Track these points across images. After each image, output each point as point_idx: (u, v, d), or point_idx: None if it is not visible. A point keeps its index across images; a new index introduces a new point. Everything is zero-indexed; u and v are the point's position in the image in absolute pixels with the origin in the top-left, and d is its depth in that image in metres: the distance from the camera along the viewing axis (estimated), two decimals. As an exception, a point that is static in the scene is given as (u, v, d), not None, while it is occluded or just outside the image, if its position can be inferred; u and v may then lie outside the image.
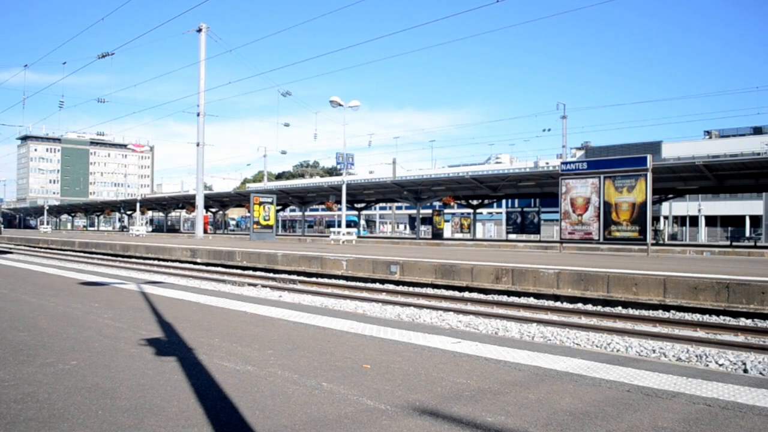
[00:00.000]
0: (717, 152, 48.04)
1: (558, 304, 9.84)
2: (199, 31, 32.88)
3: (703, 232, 52.47)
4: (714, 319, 8.35)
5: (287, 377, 3.68)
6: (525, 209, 40.95)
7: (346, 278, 13.68)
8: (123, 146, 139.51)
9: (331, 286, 12.52)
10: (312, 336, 5.16)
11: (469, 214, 45.73)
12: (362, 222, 59.32)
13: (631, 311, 9.05)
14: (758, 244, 40.22)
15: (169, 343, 4.70)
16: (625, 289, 9.39)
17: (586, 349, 5.66)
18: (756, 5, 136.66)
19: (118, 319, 5.88)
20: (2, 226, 22.99)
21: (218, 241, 28.96)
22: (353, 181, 49.54)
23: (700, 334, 7.29)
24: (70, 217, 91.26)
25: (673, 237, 51.00)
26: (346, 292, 11.39)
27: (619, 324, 8.02)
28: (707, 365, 5.85)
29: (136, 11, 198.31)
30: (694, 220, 52.73)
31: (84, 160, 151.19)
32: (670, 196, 32.52)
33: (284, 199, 45.19)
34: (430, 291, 11.65)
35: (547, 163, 64.95)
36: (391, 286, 12.26)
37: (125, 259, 21.35)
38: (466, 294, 11.08)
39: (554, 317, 8.60)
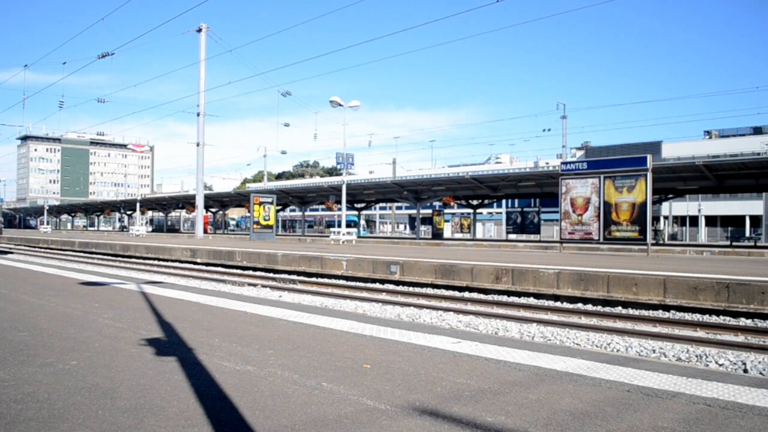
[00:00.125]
0: (717, 152, 48.04)
1: (558, 304, 9.84)
2: (199, 31, 32.88)
3: (703, 232, 52.47)
4: (714, 319, 8.35)
5: (287, 377, 3.68)
6: (525, 209, 40.95)
7: (346, 278, 13.68)
8: (123, 146, 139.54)
9: (331, 286, 12.52)
10: (312, 336, 5.16)
11: (469, 214, 45.73)
12: (362, 222, 59.32)
13: (631, 311, 9.05)
14: (758, 244, 40.21)
15: (169, 343, 4.70)
16: (625, 289, 9.39)
17: (586, 349, 5.66)
18: (756, 5, 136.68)
19: (118, 319, 5.88)
20: (2, 226, 22.93)
21: (218, 241, 28.96)
22: (353, 181, 49.54)
23: (700, 334, 7.29)
24: (70, 217, 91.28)
25: (673, 237, 51.00)
26: (346, 292, 11.39)
27: (619, 324, 8.02)
28: (707, 365, 5.85)
29: (136, 11, 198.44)
30: (694, 220, 52.73)
31: (84, 160, 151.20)
32: (670, 196, 32.52)
33: (284, 199, 45.19)
34: (430, 291, 11.65)
35: (547, 163, 64.96)
36: (391, 286, 12.26)
37: (125, 259, 21.35)
38: (466, 294, 11.08)
39: (554, 317, 8.60)
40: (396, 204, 62.28)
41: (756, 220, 50.05)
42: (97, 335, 4.98)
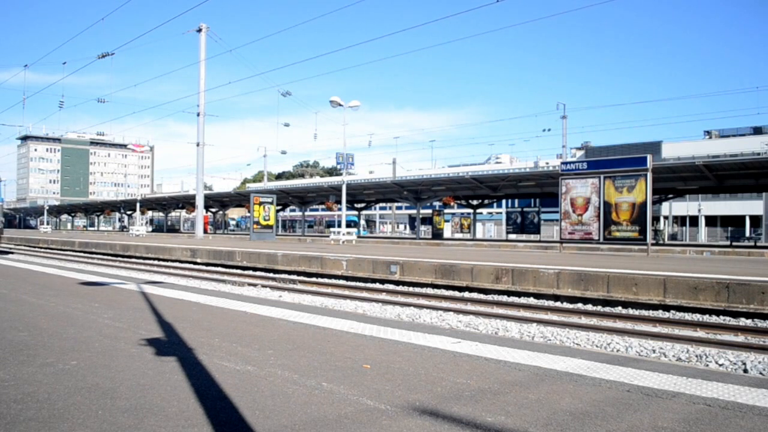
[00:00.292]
0: (717, 152, 48.04)
1: (558, 304, 9.84)
2: (199, 31, 32.88)
3: (703, 232, 52.47)
4: (714, 319, 8.35)
5: (287, 377, 3.68)
6: (525, 209, 40.95)
7: (346, 278, 13.68)
8: (123, 146, 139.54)
9: (331, 286, 12.52)
10: (312, 336, 5.16)
11: (469, 214, 45.73)
12: (362, 222, 59.32)
13: (631, 311, 9.05)
14: (758, 244, 40.22)
15: (169, 343, 4.70)
16: (625, 289, 9.39)
17: (586, 349, 5.66)
18: (756, 5, 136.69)
19: (118, 319, 5.88)
20: (3, 226, 22.88)
21: (218, 241, 28.96)
22: (353, 181, 49.55)
23: (700, 334, 7.29)
24: (70, 217, 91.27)
25: (673, 237, 51.00)
26: (346, 292, 11.39)
27: (619, 324, 8.02)
28: (707, 365, 5.85)
29: (136, 11, 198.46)
30: (694, 220, 52.74)
31: (84, 160, 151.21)
32: (670, 196, 32.52)
33: (284, 199, 45.19)
34: (430, 291, 11.65)
35: (547, 163, 64.96)
36: (391, 286, 12.26)
37: (125, 259, 21.35)
38: (466, 294, 11.08)
39: (554, 317, 8.60)
40: (396, 204, 62.29)
41: (756, 220, 50.05)
42: (97, 335, 4.98)
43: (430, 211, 46.75)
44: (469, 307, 9.62)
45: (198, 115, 33.53)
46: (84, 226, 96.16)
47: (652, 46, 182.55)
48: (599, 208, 17.51)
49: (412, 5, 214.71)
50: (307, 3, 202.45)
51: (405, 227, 78.40)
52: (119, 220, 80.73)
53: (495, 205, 55.20)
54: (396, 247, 25.00)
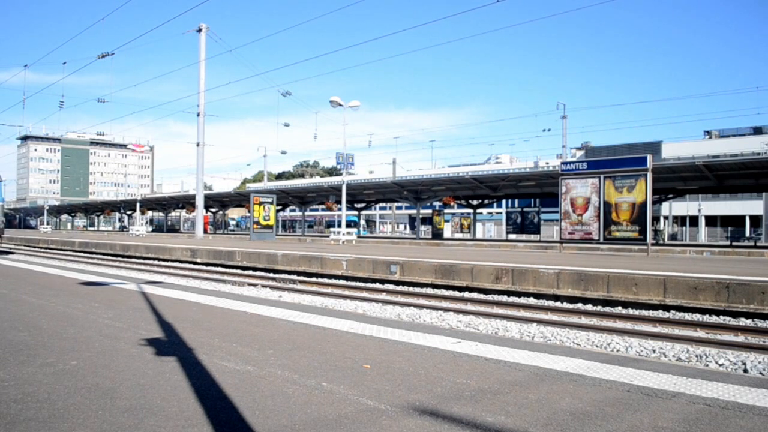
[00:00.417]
0: (717, 152, 48.05)
1: (558, 304, 9.84)
2: (199, 31, 32.87)
3: (703, 232, 52.47)
4: (714, 319, 8.35)
5: (287, 377, 3.68)
6: (525, 209, 40.96)
7: (346, 278, 13.68)
8: (123, 146, 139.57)
9: (331, 286, 12.52)
10: (312, 336, 5.16)
11: (469, 214, 45.73)
12: (362, 222, 59.32)
13: (631, 311, 9.05)
14: (758, 244, 40.21)
15: (169, 343, 4.70)
16: (625, 289, 9.39)
17: (586, 349, 5.66)
18: (756, 5, 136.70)
19: (118, 319, 5.88)
20: (4, 226, 22.86)
21: (218, 241, 28.96)
22: (353, 181, 49.54)
23: (700, 334, 7.29)
24: (70, 217, 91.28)
25: (673, 237, 51.00)
26: (346, 292, 11.39)
27: (619, 324, 8.02)
28: (707, 365, 5.85)
29: (136, 11, 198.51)
30: (694, 220, 52.73)
31: (84, 160, 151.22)
32: (670, 196, 32.52)
33: (284, 199, 45.19)
34: (430, 291, 11.64)
35: (547, 163, 64.96)
36: (391, 286, 12.26)
37: (125, 259, 21.35)
38: (466, 294, 11.07)
39: (554, 317, 8.60)
40: (396, 204, 62.28)
41: (756, 220, 50.05)
42: (97, 335, 4.98)
43: (430, 211, 46.76)
44: (469, 307, 9.62)
45: (198, 115, 33.53)
46: (84, 226, 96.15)
47: (652, 46, 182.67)
48: (599, 208, 17.51)
49: (412, 5, 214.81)
50: (307, 3, 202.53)
51: (405, 227, 78.39)
52: (119, 220, 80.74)
53: (495, 205, 55.20)
54: (396, 247, 25.00)
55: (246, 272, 15.76)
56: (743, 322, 8.03)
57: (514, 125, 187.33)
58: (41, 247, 30.88)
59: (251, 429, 2.73)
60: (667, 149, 52.59)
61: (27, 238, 35.91)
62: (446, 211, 47.66)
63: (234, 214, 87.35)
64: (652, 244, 19.13)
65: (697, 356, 6.13)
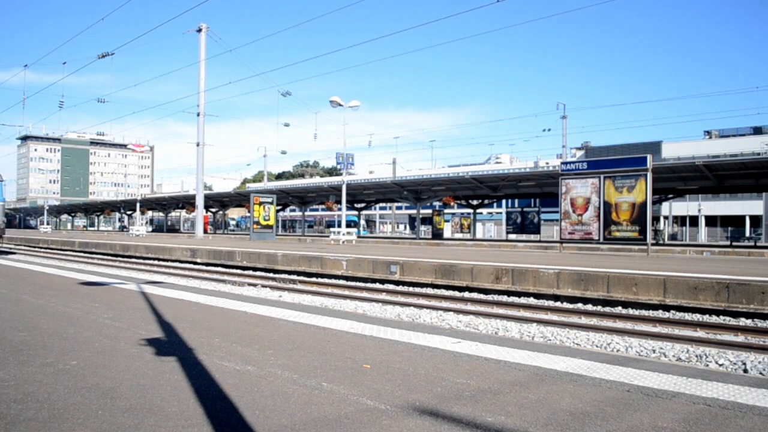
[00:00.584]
0: (717, 152, 48.05)
1: (558, 304, 9.84)
2: (199, 31, 32.87)
3: (703, 232, 52.47)
4: (714, 319, 8.34)
5: (287, 377, 3.68)
6: (525, 209, 40.96)
7: (346, 278, 13.68)
8: (123, 146, 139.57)
9: (331, 286, 12.52)
10: (312, 336, 5.16)
11: (469, 214, 45.73)
12: (362, 222, 59.32)
13: (631, 311, 9.05)
14: (758, 244, 40.21)
15: (169, 343, 4.70)
16: (625, 289, 9.39)
17: (586, 349, 5.66)
18: (756, 5, 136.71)
19: (118, 319, 5.88)
20: (4, 226, 22.84)
21: (218, 241, 28.96)
22: (353, 181, 49.54)
23: (700, 334, 7.29)
24: (70, 217, 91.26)
25: (673, 237, 51.00)
26: (346, 292, 11.39)
27: (619, 324, 8.02)
28: (707, 365, 5.84)
29: (136, 11, 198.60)
30: (694, 220, 52.73)
31: (84, 160, 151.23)
32: (670, 196, 32.52)
33: (284, 199, 45.19)
34: (430, 291, 11.64)
35: (547, 163, 64.96)
36: (391, 286, 12.26)
37: (125, 259, 21.35)
38: (466, 294, 11.07)
39: (554, 317, 8.60)
40: (396, 204, 62.28)
41: (756, 220, 50.05)
42: (97, 335, 4.98)
43: (430, 211, 46.75)
44: (469, 307, 9.62)
45: (198, 115, 33.53)
46: (84, 226, 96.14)
47: (652, 46, 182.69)
48: (599, 208, 17.51)
49: (412, 5, 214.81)
50: (307, 3, 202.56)
51: (405, 227, 78.39)
52: (119, 220, 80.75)
53: (495, 205, 55.19)
54: (396, 247, 24.99)
55: (246, 272, 15.76)
56: (743, 322, 8.03)
57: (514, 125, 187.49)
58: (41, 247, 30.88)
59: (251, 429, 2.73)
60: (667, 149, 52.59)
61: (27, 238, 35.91)
62: (446, 211, 47.67)
63: (234, 214, 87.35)
64: (652, 244, 19.13)
65: (697, 356, 6.13)
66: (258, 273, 15.38)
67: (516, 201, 52.83)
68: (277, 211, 40.13)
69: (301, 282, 13.45)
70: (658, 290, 9.04)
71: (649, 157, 16.93)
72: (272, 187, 61.53)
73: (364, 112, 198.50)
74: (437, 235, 43.46)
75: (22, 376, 3.60)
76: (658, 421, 2.91)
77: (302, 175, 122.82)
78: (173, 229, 72.63)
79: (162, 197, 68.21)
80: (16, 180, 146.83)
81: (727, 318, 8.30)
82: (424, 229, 53.56)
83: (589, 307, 9.51)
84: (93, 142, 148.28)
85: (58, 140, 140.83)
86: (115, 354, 4.26)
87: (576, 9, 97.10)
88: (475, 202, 39.07)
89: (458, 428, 2.78)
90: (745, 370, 5.62)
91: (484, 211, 58.65)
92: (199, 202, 34.82)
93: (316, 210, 72.30)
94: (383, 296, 10.94)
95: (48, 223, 73.81)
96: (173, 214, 74.77)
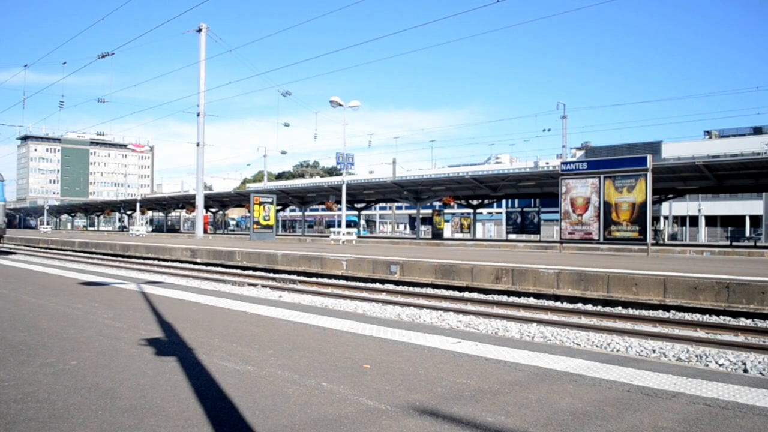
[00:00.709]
0: (717, 152, 48.05)
1: (558, 304, 9.84)
2: (199, 31, 32.87)
3: (703, 232, 52.47)
4: (714, 319, 8.34)
5: (287, 377, 3.68)
6: (525, 209, 40.96)
7: (346, 278, 13.68)
8: (123, 146, 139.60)
9: (331, 286, 12.52)
10: (312, 336, 5.16)
11: (469, 214, 45.73)
12: (362, 222, 59.32)
13: (631, 311, 9.05)
14: (758, 244, 40.21)
15: (169, 343, 4.70)
16: (625, 289, 9.39)
17: (586, 349, 5.66)
18: (756, 5, 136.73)
19: (118, 319, 5.88)
20: (5, 226, 22.84)
21: (218, 241, 28.96)
22: (353, 181, 49.54)
23: (700, 334, 7.29)
24: (70, 217, 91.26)
25: (673, 237, 51.00)
26: (346, 292, 11.39)
27: (619, 324, 8.02)
28: (707, 365, 5.84)
29: (136, 11, 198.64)
30: (694, 220, 52.73)
31: (84, 160, 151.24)
32: (670, 196, 32.52)
33: (284, 199, 45.19)
34: (430, 291, 11.64)
35: (547, 163, 64.96)
36: (391, 286, 12.26)
37: (125, 259, 21.35)
38: (466, 294, 11.07)
39: (554, 317, 8.60)
40: (396, 204, 62.28)
41: (756, 220, 50.05)
42: (97, 335, 4.98)
43: (430, 211, 46.75)
44: (469, 307, 9.62)
45: (198, 115, 33.53)
46: (84, 226, 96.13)
47: (652, 46, 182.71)
48: (599, 208, 17.51)
49: (412, 5, 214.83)
50: (307, 3, 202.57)
51: (405, 227, 78.38)
52: (119, 220, 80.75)
53: (495, 205, 55.20)
54: (396, 247, 24.99)
55: (246, 272, 15.76)
56: (743, 322, 8.03)
57: (514, 125, 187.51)
58: (41, 247, 30.88)
59: (251, 429, 2.73)
60: (667, 149, 52.60)
61: (27, 238, 35.92)
62: (446, 211, 47.67)
63: (234, 214, 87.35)
64: (652, 244, 19.13)
65: (697, 356, 6.13)
66: (258, 273, 15.38)
67: (516, 201, 52.83)
68: (277, 211, 40.14)
69: (301, 282, 13.45)
70: (658, 290, 9.04)
71: (649, 157, 16.93)
72: (272, 187, 61.53)
73: (364, 112, 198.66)
74: (437, 235, 43.47)
75: (22, 376, 3.59)
76: (658, 421, 2.91)
77: (302, 175, 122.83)
78: (173, 229, 72.63)
79: (162, 197, 68.21)
80: (16, 180, 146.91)
81: (727, 318, 8.30)
82: (424, 229, 53.56)
83: (589, 307, 9.51)
84: (93, 142, 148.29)
85: (58, 140, 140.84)
86: (115, 354, 4.26)
87: (576, 9, 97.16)
88: (475, 202, 39.07)
89: (458, 428, 2.78)
90: (745, 370, 5.62)
91: (484, 211, 58.65)
92: (199, 202, 34.82)
93: (316, 210, 72.30)
94: (383, 296, 10.94)
95: (48, 223, 73.81)
96: (173, 214, 74.78)
